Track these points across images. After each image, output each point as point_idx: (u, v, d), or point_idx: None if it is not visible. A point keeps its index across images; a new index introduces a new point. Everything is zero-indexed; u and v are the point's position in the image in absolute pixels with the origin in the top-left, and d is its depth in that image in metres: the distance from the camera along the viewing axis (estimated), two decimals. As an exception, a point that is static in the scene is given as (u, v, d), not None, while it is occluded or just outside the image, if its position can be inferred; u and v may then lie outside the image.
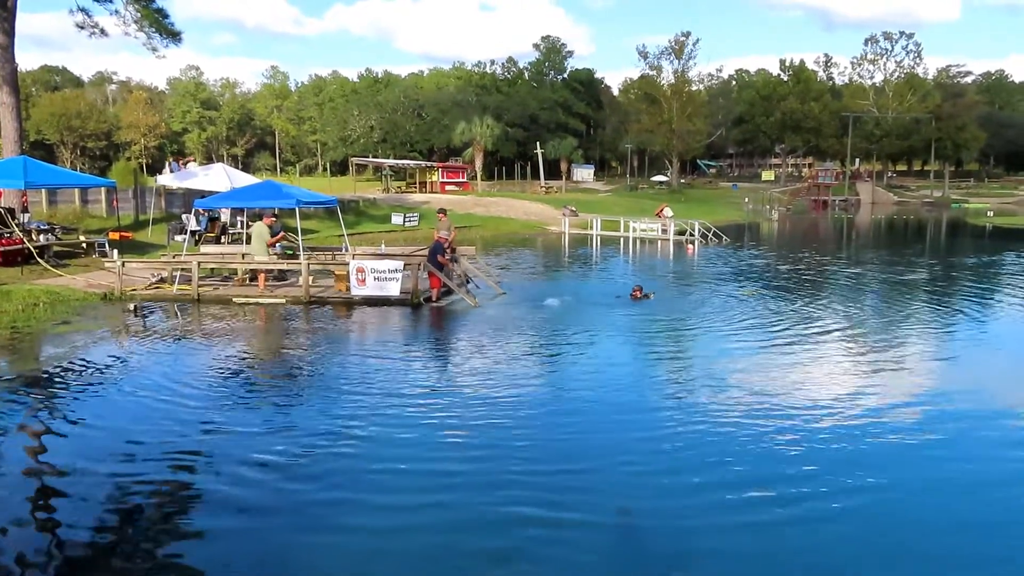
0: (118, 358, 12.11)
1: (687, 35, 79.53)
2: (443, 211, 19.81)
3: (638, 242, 35.58)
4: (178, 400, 9.59)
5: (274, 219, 18.82)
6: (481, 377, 10.71)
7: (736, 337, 13.51)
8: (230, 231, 24.98)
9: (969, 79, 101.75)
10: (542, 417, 8.94)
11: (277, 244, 18.81)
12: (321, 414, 8.97)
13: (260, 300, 17.08)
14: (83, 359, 11.87)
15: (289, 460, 7.52)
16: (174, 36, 28.54)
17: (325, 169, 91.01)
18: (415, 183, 65.83)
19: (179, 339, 14.01)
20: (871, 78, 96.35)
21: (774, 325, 14.68)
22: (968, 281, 22.30)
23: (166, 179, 28.14)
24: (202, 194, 23.34)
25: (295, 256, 18.84)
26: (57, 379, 10.76)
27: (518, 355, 12.14)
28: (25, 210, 22.71)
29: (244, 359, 12.05)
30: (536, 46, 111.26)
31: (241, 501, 6.66)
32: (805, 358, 12.01)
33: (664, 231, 36.42)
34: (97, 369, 11.30)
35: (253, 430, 8.43)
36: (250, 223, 23.97)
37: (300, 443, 7.98)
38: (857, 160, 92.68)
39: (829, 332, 14.13)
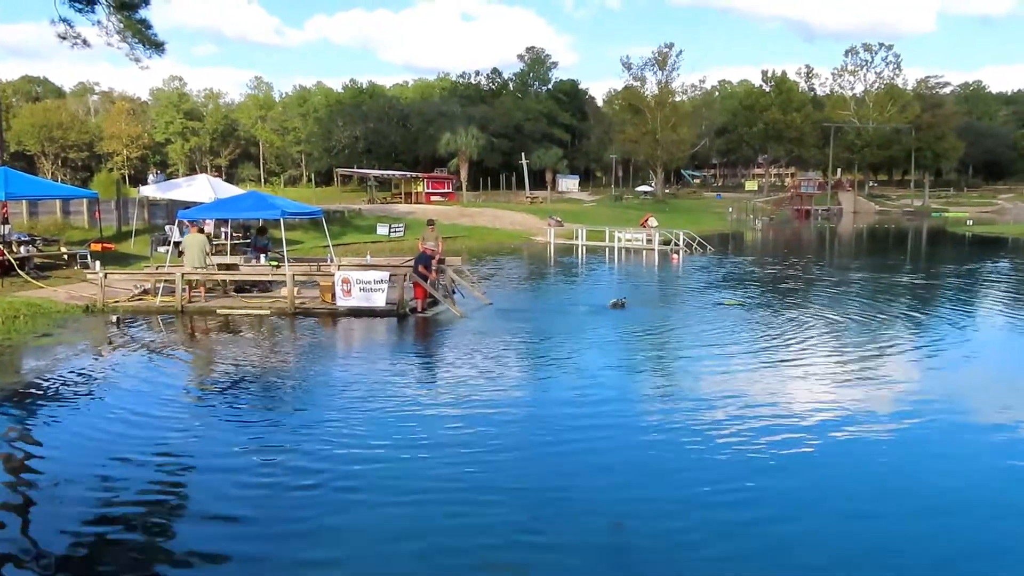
0: (99, 371, 11.99)
1: (670, 46, 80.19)
2: (432, 222, 19.84)
3: (623, 252, 35.69)
4: (160, 415, 9.49)
5: (201, 230, 19.02)
6: (465, 391, 10.59)
7: (724, 349, 13.54)
8: (214, 242, 24.78)
9: (947, 90, 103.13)
10: (527, 442, 8.57)
11: (262, 256, 18.73)
12: (303, 429, 8.88)
13: (244, 311, 16.98)
14: (64, 372, 11.74)
15: (270, 477, 7.43)
16: (157, 47, 28.41)
17: (310, 180, 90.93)
18: (400, 194, 65.78)
19: (162, 352, 13.90)
20: (852, 89, 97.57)
21: (763, 336, 14.78)
22: (956, 288, 22.61)
23: (149, 190, 27.96)
24: (186, 205, 23.18)
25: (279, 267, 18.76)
26: (37, 393, 10.62)
27: (502, 369, 12.05)
28: (5, 221, 22.43)
29: (227, 372, 11.93)
30: (520, 57, 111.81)
31: (224, 518, 6.59)
32: (794, 369, 12.09)
33: (649, 241, 36.57)
34: (78, 382, 11.17)
35: (234, 445, 8.33)
36: (235, 234, 23.90)
37: (281, 459, 7.91)
38: (839, 170, 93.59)
39: (820, 343, 14.22)
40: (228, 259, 21.06)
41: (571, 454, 8.17)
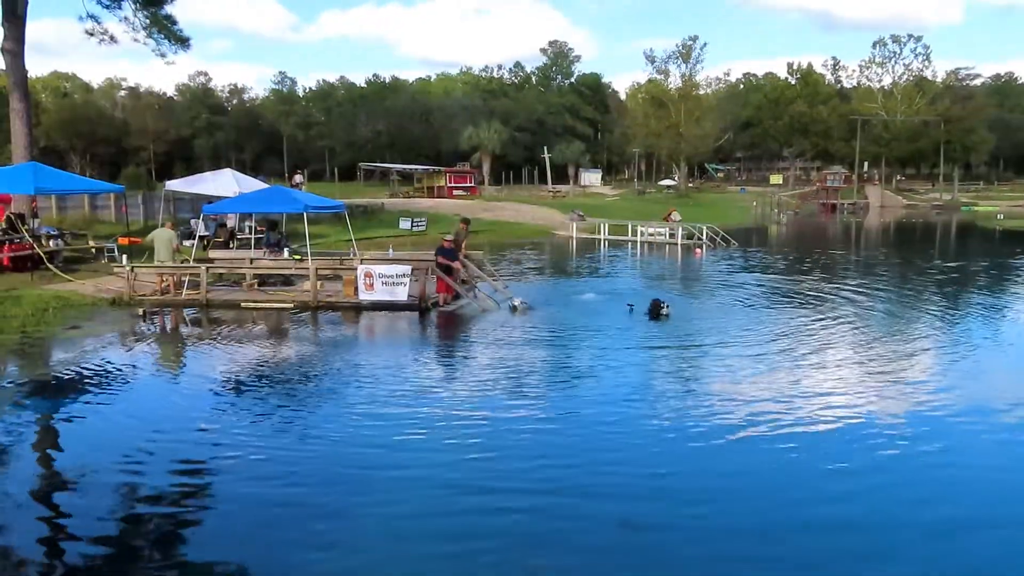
0: (127, 364, 12.13)
1: (694, 39, 79.55)
2: (467, 221, 20.20)
3: (646, 246, 35.51)
4: (186, 407, 9.61)
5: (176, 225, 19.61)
6: (491, 390, 10.40)
7: (764, 349, 13.37)
8: (238, 236, 25.07)
9: (978, 82, 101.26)
10: (553, 448, 8.11)
11: (285, 251, 18.90)
12: (325, 426, 8.85)
13: (268, 305, 17.12)
14: (92, 364, 11.91)
15: (294, 475, 7.39)
16: (183, 42, 28.73)
17: (332, 174, 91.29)
18: (423, 188, 65.87)
19: (187, 345, 14.11)
20: (879, 81, 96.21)
21: (800, 335, 14.62)
22: (989, 284, 22.31)
23: (175, 184, 28.27)
24: (210, 200, 23.41)
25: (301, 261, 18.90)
26: (66, 384, 10.79)
27: (529, 366, 11.86)
28: (35, 216, 22.84)
29: (251, 366, 12.03)
30: (543, 50, 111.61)
31: (247, 510, 6.62)
32: (824, 369, 11.88)
33: (672, 235, 36.38)
34: (106, 374, 11.33)
35: (260, 440, 8.35)
36: (259, 228, 24.11)
37: (305, 457, 7.88)
38: (866, 163, 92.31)
39: (851, 341, 14.01)
40: (251, 253, 21.30)
41: (599, 461, 7.72)
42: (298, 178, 46.44)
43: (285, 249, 20.91)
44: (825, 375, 11.09)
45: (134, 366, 11.97)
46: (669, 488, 7.09)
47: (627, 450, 8.01)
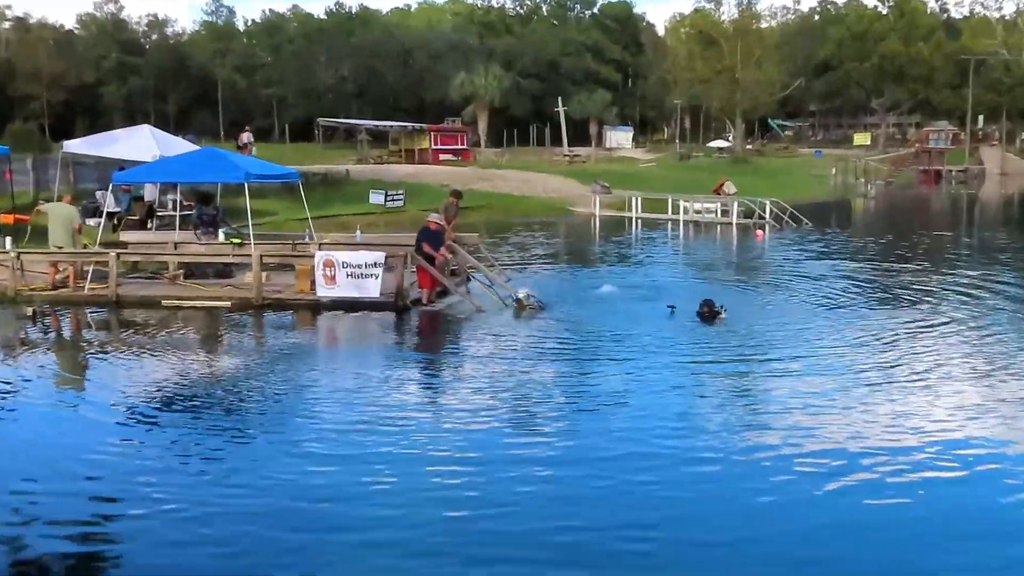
0: (11, 378, 12.01)
1: (756, -44, 79.42)
2: (458, 194, 20.46)
3: (691, 227, 35.45)
4: (80, 443, 9.44)
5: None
6: (487, 420, 10.17)
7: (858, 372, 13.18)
8: (158, 213, 24.94)
9: None
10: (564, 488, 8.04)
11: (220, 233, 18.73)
12: (266, 470, 8.61)
13: (197, 304, 17.04)
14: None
15: (222, 543, 7.09)
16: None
17: (283, 133, 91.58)
18: (400, 151, 65.91)
19: (91, 354, 13.99)
20: (999, 10, 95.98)
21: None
22: None
23: (75, 145, 28.17)
24: (122, 165, 23.28)
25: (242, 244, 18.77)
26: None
27: (538, 388, 11.67)
28: None
29: (171, 386, 11.88)
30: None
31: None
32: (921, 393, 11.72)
33: (725, 212, 36.28)
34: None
35: (177, 491, 8.07)
36: (185, 202, 24.00)
37: (237, 516, 7.59)
38: (981, 118, 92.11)
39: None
40: (176, 236, 21.21)
41: (632, 524, 7.40)
42: (246, 137, 46.50)
43: (220, 231, 20.81)
44: (942, 404, 10.70)
45: (16, 384, 11.80)
46: (732, 565, 6.71)
47: (670, 507, 7.69)
